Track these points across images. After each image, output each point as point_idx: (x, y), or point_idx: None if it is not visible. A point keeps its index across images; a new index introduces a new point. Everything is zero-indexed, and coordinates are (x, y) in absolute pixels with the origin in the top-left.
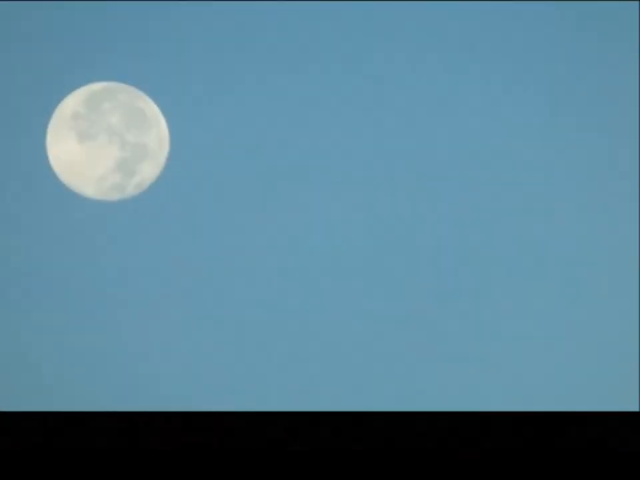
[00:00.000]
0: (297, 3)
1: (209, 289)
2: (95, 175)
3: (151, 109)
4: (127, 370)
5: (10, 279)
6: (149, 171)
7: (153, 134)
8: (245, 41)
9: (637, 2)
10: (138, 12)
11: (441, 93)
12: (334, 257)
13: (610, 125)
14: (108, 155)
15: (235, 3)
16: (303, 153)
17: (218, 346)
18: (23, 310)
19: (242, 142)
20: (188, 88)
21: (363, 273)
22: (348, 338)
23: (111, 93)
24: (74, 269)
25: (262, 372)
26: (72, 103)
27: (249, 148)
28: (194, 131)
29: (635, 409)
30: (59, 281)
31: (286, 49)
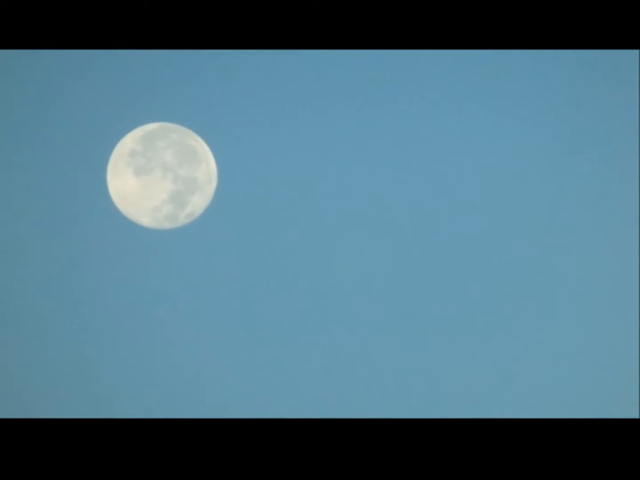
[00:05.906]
0: (337, 52)
1: (254, 312)
2: (150, 206)
3: (201, 147)
4: (171, 388)
5: (71, 301)
6: (199, 202)
7: (203, 169)
8: (289, 85)
9: (638, 50)
10: (190, 60)
11: (452, 127)
12: (363, 285)
13: (611, 152)
14: (162, 188)
15: (276, 51)
16: (345, 188)
17: (267, 366)
18: (81, 332)
19: (282, 177)
20: (234, 128)
21: (368, 281)
22: (353, 344)
23: (165, 133)
24: (129, 291)
25: (284, 382)
26: (130, 141)
27: (289, 182)
28: (239, 167)
29: (635, 416)
30: (115, 301)
31: (328, 92)
